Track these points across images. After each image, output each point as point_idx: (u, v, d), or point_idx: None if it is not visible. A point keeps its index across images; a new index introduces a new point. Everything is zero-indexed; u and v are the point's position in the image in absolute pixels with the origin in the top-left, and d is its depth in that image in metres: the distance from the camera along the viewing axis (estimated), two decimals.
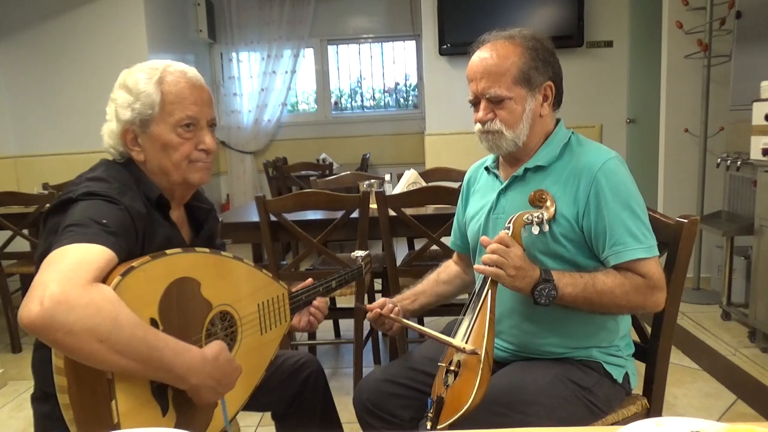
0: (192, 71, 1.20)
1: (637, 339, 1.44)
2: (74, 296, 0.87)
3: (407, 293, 1.50)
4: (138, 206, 1.10)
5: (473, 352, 1.12)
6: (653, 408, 1.37)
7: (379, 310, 1.37)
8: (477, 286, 1.25)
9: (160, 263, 1.02)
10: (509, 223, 1.22)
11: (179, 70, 1.18)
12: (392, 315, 1.36)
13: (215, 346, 1.06)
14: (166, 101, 1.14)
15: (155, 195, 1.16)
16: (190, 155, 1.17)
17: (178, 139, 1.16)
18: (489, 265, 1.18)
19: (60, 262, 0.92)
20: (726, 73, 3.35)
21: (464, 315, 1.24)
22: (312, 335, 2.94)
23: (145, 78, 1.15)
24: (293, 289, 1.33)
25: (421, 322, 3.03)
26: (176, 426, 1.02)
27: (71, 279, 0.89)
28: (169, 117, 1.14)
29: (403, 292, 1.51)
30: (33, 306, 0.85)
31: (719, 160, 3.27)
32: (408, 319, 1.42)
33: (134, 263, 0.98)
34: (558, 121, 1.36)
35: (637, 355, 1.40)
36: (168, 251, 1.05)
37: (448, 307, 1.78)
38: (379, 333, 2.88)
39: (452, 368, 1.16)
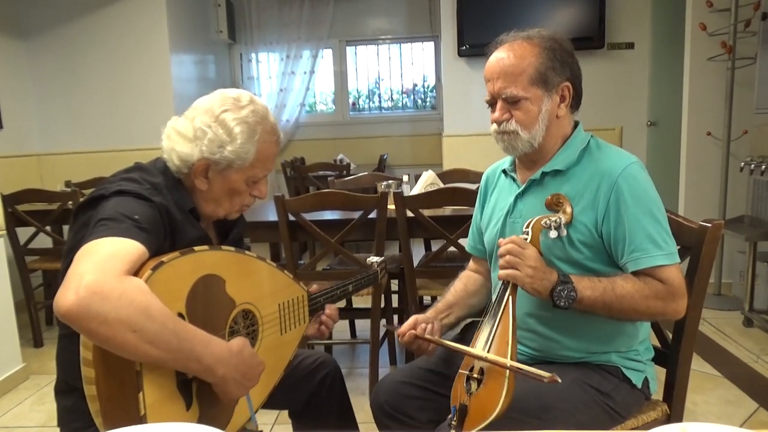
0: (278, 127, 1.25)
1: (658, 344, 1.43)
2: (108, 287, 0.90)
3: (440, 306, 1.44)
4: (168, 205, 1.12)
5: (535, 377, 1.05)
6: (674, 414, 1.35)
7: (413, 331, 1.31)
8: (495, 293, 1.23)
9: (188, 259, 1.04)
10: (527, 227, 1.21)
11: (272, 127, 1.22)
12: (427, 335, 1.31)
13: (239, 341, 1.08)
14: (257, 159, 1.19)
15: (187, 207, 1.18)
16: (245, 201, 1.25)
17: (245, 187, 1.22)
18: (505, 267, 1.16)
19: (94, 254, 0.94)
20: (751, 76, 3.30)
21: (483, 322, 1.22)
22: (328, 335, 2.95)
23: (247, 131, 1.16)
24: (310, 290, 1.35)
25: None
26: (198, 421, 1.03)
27: (106, 270, 0.91)
28: (249, 170, 1.19)
29: (435, 304, 1.46)
30: (69, 295, 0.88)
31: (743, 164, 3.23)
32: (444, 335, 1.38)
33: (164, 258, 1.00)
34: (576, 123, 1.35)
35: (657, 361, 1.39)
36: (196, 248, 1.07)
37: None
38: (395, 334, 2.87)
39: (475, 375, 1.14)
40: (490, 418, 1.04)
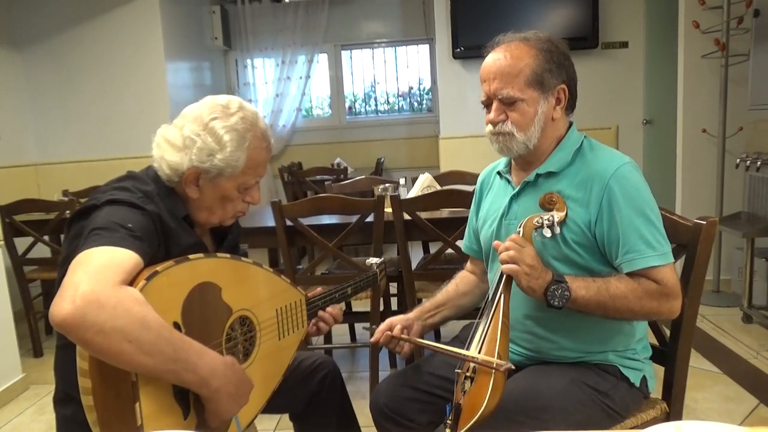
0: (269, 133, 1.24)
1: (656, 342, 1.43)
2: (104, 296, 0.89)
3: (427, 305, 1.46)
4: (161, 213, 1.12)
5: (488, 365, 1.09)
6: (673, 412, 1.35)
7: (389, 332, 1.34)
8: (491, 292, 1.24)
9: (183, 268, 1.04)
10: (519, 227, 1.21)
11: (262, 133, 1.21)
12: (403, 335, 1.34)
13: (230, 358, 1.08)
14: (247, 166, 1.18)
15: (180, 215, 1.18)
16: (238, 208, 1.24)
17: (237, 194, 1.21)
18: (507, 261, 1.16)
19: (89, 264, 0.94)
20: (744, 73, 3.32)
21: (479, 321, 1.23)
22: (328, 339, 2.96)
23: (237, 139, 1.15)
24: (309, 295, 1.35)
25: (437, 332, 3.03)
26: (196, 429, 1.03)
27: (101, 280, 0.91)
28: (240, 177, 1.19)
29: (423, 303, 1.48)
30: (65, 305, 0.88)
31: (738, 160, 3.24)
32: (425, 335, 1.40)
33: (158, 268, 1.00)
34: (570, 124, 1.35)
35: (655, 359, 1.39)
36: (191, 256, 1.07)
37: None
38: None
39: (469, 374, 1.15)
40: (477, 416, 1.04)
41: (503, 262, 1.17)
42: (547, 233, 1.19)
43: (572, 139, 1.32)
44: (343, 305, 1.46)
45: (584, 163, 1.28)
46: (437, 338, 3.00)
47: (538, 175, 1.31)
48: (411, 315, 1.41)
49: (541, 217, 1.20)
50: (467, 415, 1.07)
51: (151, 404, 0.97)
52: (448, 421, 1.11)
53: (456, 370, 1.20)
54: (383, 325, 1.36)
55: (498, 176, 1.44)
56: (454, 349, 1.20)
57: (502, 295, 1.17)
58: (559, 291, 1.15)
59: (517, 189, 1.34)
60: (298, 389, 1.44)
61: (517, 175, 1.37)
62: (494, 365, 1.07)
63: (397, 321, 1.37)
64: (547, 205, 1.22)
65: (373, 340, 1.35)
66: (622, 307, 1.18)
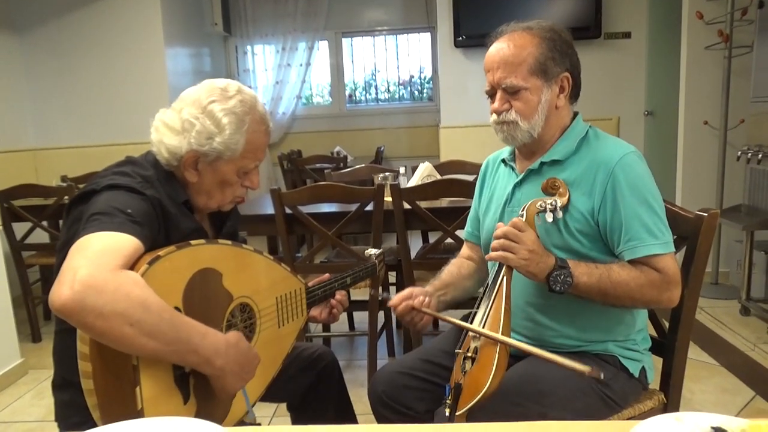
0: (268, 117, 1.23)
1: (655, 334, 1.43)
2: (103, 280, 0.89)
3: (437, 283, 1.43)
4: (161, 198, 1.12)
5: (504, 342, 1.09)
6: (670, 403, 1.36)
7: (409, 302, 1.30)
8: (491, 275, 1.24)
9: (185, 253, 1.04)
10: (522, 210, 1.21)
11: (261, 116, 1.20)
12: (424, 308, 1.30)
13: (235, 334, 1.08)
14: (246, 149, 1.17)
15: (180, 199, 1.17)
16: (238, 193, 1.23)
17: (236, 178, 1.20)
18: (498, 249, 1.16)
19: (88, 249, 0.94)
20: (747, 65, 3.30)
21: (480, 304, 1.23)
22: (326, 328, 2.96)
23: (236, 122, 1.14)
24: (309, 284, 1.35)
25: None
26: (196, 415, 1.03)
27: (100, 264, 0.91)
28: (240, 161, 1.18)
29: (432, 282, 1.44)
30: (64, 290, 0.87)
31: (740, 153, 3.23)
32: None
33: (160, 252, 1.00)
34: (576, 114, 1.35)
35: (654, 350, 1.39)
36: (192, 242, 1.07)
37: None
38: (394, 325, 2.88)
39: (470, 355, 1.15)
40: (480, 395, 1.04)
41: (494, 250, 1.17)
42: (549, 217, 1.19)
43: (577, 128, 1.32)
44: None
45: (589, 151, 1.28)
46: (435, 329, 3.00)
47: (542, 164, 1.31)
48: (429, 289, 1.38)
49: (544, 201, 1.20)
50: (469, 395, 1.08)
51: (151, 388, 0.97)
52: (448, 401, 1.12)
53: (456, 351, 1.20)
54: (404, 292, 1.33)
55: (502, 164, 1.44)
56: (473, 326, 1.18)
57: (505, 278, 1.17)
58: (562, 277, 1.16)
59: (520, 176, 1.34)
60: (297, 379, 1.44)
61: (521, 164, 1.38)
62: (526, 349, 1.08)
63: (418, 292, 1.33)
64: (549, 190, 1.23)
65: (392, 303, 1.32)
66: (623, 294, 1.19)
